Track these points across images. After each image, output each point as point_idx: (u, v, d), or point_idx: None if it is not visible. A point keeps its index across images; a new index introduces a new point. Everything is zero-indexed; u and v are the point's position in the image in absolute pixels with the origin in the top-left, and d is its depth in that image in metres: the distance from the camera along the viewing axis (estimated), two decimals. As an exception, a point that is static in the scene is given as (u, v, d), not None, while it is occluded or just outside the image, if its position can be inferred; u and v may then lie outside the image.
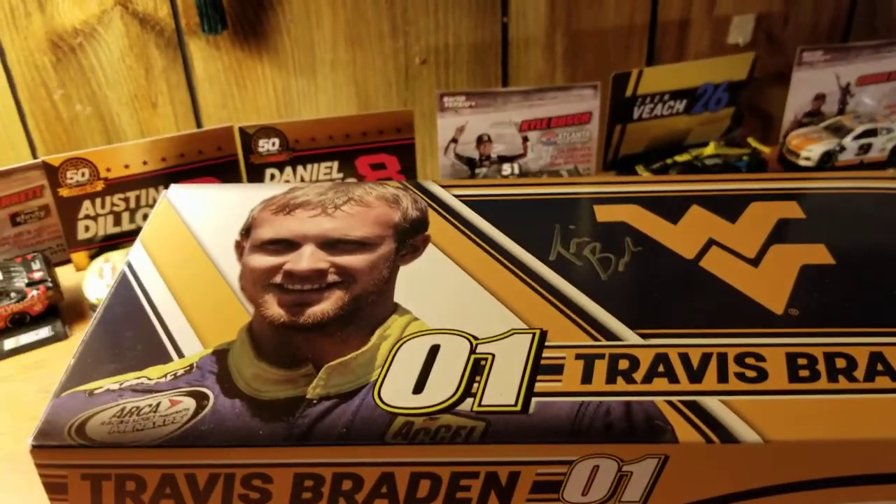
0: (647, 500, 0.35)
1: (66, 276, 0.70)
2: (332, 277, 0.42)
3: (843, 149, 0.84)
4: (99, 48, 0.81)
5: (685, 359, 0.37)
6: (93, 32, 0.80)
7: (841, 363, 0.37)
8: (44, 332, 0.65)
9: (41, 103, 0.82)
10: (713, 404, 0.35)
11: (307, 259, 0.43)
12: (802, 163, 0.83)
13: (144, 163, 0.68)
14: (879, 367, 0.36)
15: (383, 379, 0.37)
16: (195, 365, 0.38)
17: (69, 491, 0.35)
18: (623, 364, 0.37)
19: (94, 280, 0.66)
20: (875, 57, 0.87)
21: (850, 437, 0.34)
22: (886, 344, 0.38)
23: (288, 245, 0.45)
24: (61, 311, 0.67)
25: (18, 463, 0.53)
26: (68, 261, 0.70)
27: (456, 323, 0.40)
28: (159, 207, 0.50)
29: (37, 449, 0.35)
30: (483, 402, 0.35)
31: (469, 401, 0.35)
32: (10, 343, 0.63)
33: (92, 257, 0.70)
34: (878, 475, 0.34)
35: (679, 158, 0.84)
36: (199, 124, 0.86)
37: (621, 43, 0.95)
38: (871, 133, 0.85)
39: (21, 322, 0.64)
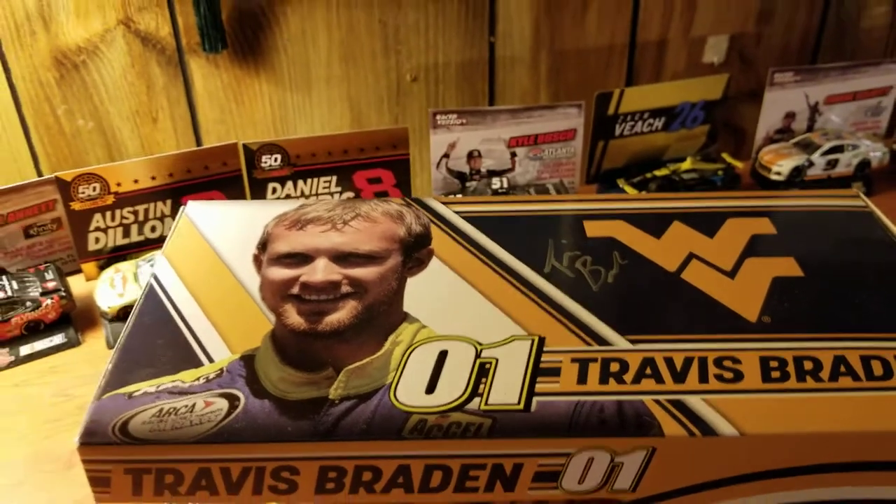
0: (636, 488, 0.39)
1: (76, 285, 0.73)
2: (345, 288, 0.46)
3: (811, 164, 0.88)
4: (102, 65, 0.84)
5: (670, 362, 0.41)
6: (96, 50, 0.83)
7: (808, 365, 0.41)
8: (57, 338, 0.67)
9: (45, 118, 0.84)
10: (695, 402, 0.39)
11: (321, 271, 0.47)
12: (773, 177, 0.88)
13: (153, 178, 0.71)
14: (842, 369, 0.41)
15: (398, 381, 0.40)
16: (225, 369, 0.41)
17: (112, 484, 0.39)
18: (614, 367, 0.41)
19: (105, 289, 0.69)
20: (842, 78, 0.93)
21: (818, 430, 0.38)
22: (849, 348, 0.42)
23: (302, 258, 0.48)
24: (73, 319, 0.70)
25: (39, 462, 0.56)
26: (78, 271, 0.73)
27: (461, 330, 0.43)
28: (179, 222, 0.53)
29: (83, 446, 0.38)
30: (489, 402, 0.39)
31: (476, 400, 0.39)
32: (25, 349, 0.66)
33: (101, 268, 0.72)
34: (842, 464, 0.38)
35: (658, 173, 0.88)
36: (198, 138, 0.89)
37: (602, 62, 0.99)
38: (839, 149, 0.90)
39: (35, 329, 0.67)
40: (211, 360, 0.42)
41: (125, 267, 0.71)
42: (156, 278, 0.48)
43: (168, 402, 0.39)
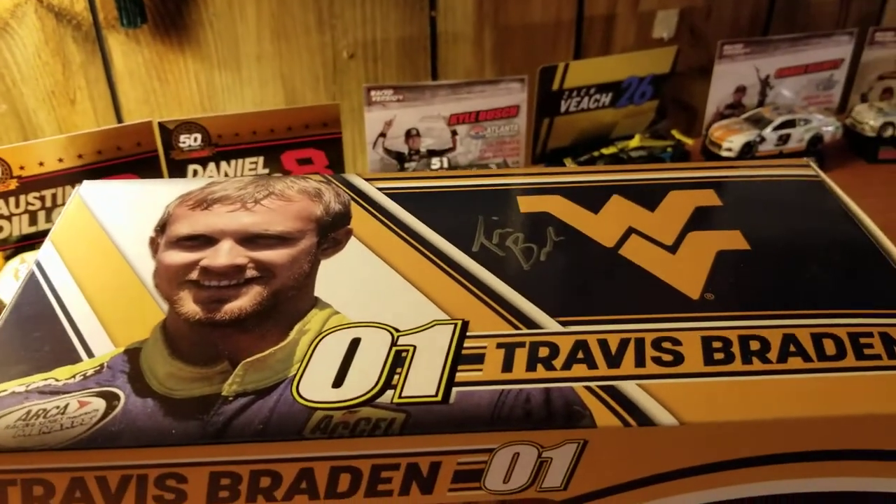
0: (567, 486, 0.35)
1: (-22, 278, 0.67)
2: (250, 273, 0.42)
3: (763, 139, 0.86)
4: (13, 43, 0.79)
5: (604, 345, 0.37)
6: (6, 27, 0.78)
7: (755, 345, 0.37)
8: (-46, 337, 0.62)
9: (-49, 100, 0.78)
10: (630, 388, 0.35)
11: (225, 255, 0.42)
12: (724, 153, 0.85)
13: (60, 160, 0.66)
14: (792, 349, 0.37)
15: (302, 374, 0.36)
16: (105, 365, 0.37)
17: (-28, 499, 0.34)
18: (543, 351, 0.37)
19: (9, 281, 0.64)
20: (793, 50, 0.90)
21: (765, 417, 0.34)
22: (799, 326, 0.39)
23: (205, 241, 0.43)
24: (-27, 315, 0.64)
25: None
26: (-19, 263, 0.68)
27: (378, 316, 0.39)
28: (71, 205, 0.48)
29: (-64, 457, 0.33)
30: (404, 394, 0.35)
31: (389, 393, 0.35)
32: (-83, 349, 0.60)
33: (7, 258, 0.67)
34: (792, 454, 0.35)
35: (606, 151, 0.85)
36: (119, 120, 0.84)
37: (549, 38, 0.96)
38: (790, 124, 0.87)
39: (-71, 327, 0.62)
40: (91, 355, 0.37)
41: (31, 257, 0.65)
42: (38, 265, 0.43)
43: (37, 404, 0.35)
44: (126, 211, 0.47)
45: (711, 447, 0.34)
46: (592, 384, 0.35)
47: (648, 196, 0.48)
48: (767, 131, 0.86)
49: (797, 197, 0.49)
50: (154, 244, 0.44)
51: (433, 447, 0.34)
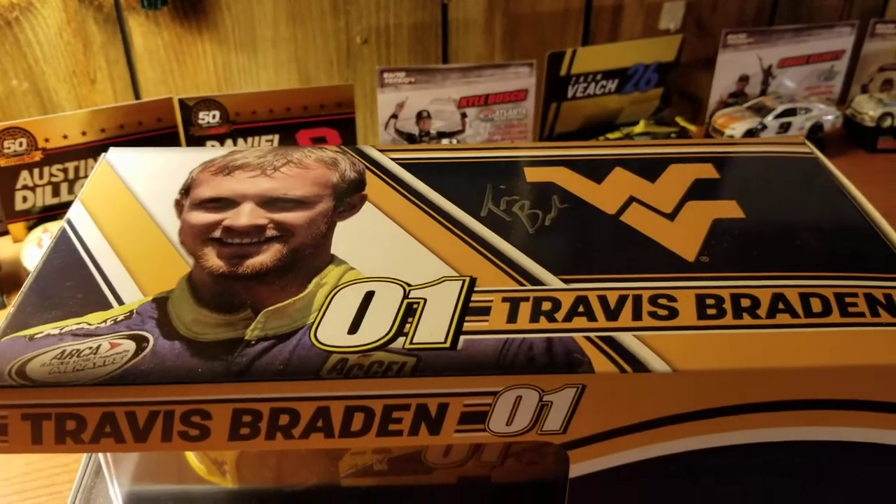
0: (567, 429, 0.37)
1: (2, 246, 0.70)
2: (270, 232, 0.44)
3: (764, 127, 0.88)
4: (36, 23, 0.81)
5: (603, 300, 0.40)
6: (29, 7, 0.80)
7: (746, 303, 0.40)
8: (-19, 301, 0.65)
9: (-24, 78, 0.81)
10: (627, 339, 0.37)
11: (246, 215, 0.45)
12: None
13: (83, 133, 0.68)
14: (780, 306, 0.39)
15: (320, 321, 0.38)
16: (135, 311, 0.39)
17: (9, 431, 0.36)
18: (546, 305, 0.39)
19: (33, 250, 0.66)
20: (795, 40, 0.92)
21: (754, 366, 0.36)
22: (788, 286, 0.41)
23: (227, 203, 0.46)
24: (-1, 281, 0.67)
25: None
26: (6, 232, 0.70)
27: (391, 272, 0.42)
28: (99, 168, 0.50)
29: (-23, 391, 0.35)
30: (415, 340, 0.37)
31: (401, 339, 0.37)
32: (-54, 311, 0.63)
33: (30, 228, 0.70)
34: (777, 402, 0.37)
35: (611, 136, 0.87)
36: (138, 100, 0.86)
37: (557, 27, 0.98)
38: (791, 113, 0.89)
39: (-43, 291, 0.64)
40: (121, 303, 0.40)
41: (54, 227, 0.68)
42: (69, 222, 0.45)
43: (71, 344, 0.37)
44: (151, 175, 0.50)
45: (703, 394, 0.37)
46: (592, 335, 0.38)
47: (650, 169, 0.50)
48: (769, 119, 0.88)
49: (792, 171, 0.51)
50: (179, 206, 0.47)
51: (441, 389, 0.36)
